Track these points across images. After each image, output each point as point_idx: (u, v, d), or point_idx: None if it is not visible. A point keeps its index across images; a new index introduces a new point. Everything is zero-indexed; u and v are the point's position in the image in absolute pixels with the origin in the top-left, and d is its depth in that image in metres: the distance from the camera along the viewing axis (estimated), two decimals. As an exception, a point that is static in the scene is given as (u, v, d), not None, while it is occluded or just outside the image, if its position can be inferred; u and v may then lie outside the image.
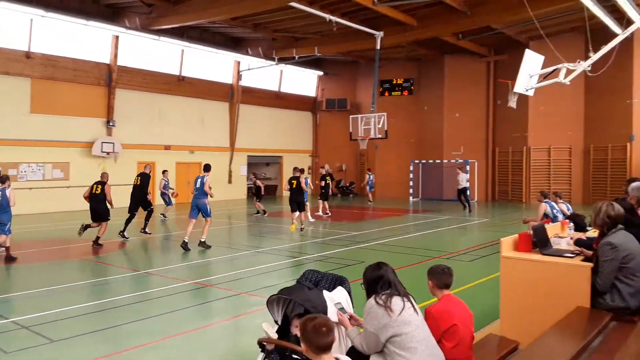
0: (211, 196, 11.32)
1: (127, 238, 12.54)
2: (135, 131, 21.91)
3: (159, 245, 12.20)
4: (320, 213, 17.70)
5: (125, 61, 21.52)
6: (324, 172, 18.70)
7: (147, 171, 13.80)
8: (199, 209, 11.23)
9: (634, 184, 5.44)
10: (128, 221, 12.88)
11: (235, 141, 25.86)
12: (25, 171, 18.77)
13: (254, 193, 19.20)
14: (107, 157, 20.68)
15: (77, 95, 20.08)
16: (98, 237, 11.60)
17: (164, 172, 17.70)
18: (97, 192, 11.80)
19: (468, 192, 19.73)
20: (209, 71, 24.92)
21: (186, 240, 10.88)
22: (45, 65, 19.08)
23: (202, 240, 11.07)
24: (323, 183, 18.14)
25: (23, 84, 18.60)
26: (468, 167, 20.11)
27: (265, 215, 17.78)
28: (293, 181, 14.21)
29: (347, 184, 29.00)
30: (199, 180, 11.28)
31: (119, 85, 21.18)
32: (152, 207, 13.74)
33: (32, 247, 11.32)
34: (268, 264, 9.50)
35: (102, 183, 11.93)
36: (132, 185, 13.54)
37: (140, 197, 13.32)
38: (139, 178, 13.48)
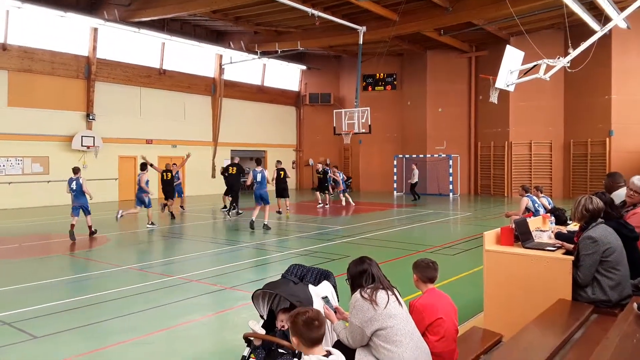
0: (270, 184, 13.14)
1: (230, 215, 15.55)
2: (116, 125, 21.62)
3: (144, 240, 12.07)
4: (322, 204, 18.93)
5: (105, 54, 21.19)
6: (321, 167, 19.62)
7: (237, 161, 16.16)
8: (261, 197, 12.94)
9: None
10: (232, 203, 15.85)
11: (219, 135, 25.70)
12: (4, 165, 18.42)
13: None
14: (88, 151, 20.38)
15: (56, 88, 19.73)
16: (182, 207, 16.62)
17: (173, 164, 17.83)
18: (167, 178, 15.64)
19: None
20: (191, 64, 24.68)
21: (253, 220, 12.92)
22: (22, 58, 18.70)
23: (265, 223, 12.90)
24: (322, 176, 19.49)
25: (0, 77, 18.23)
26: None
27: (225, 209, 17.55)
28: (281, 172, 15.52)
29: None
30: (259, 174, 12.94)
31: (98, 78, 20.85)
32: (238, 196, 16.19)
33: (13, 243, 11.14)
34: (253, 259, 9.48)
35: (170, 171, 15.67)
36: (228, 175, 15.99)
37: (238, 184, 15.91)
38: (235, 168, 15.78)
